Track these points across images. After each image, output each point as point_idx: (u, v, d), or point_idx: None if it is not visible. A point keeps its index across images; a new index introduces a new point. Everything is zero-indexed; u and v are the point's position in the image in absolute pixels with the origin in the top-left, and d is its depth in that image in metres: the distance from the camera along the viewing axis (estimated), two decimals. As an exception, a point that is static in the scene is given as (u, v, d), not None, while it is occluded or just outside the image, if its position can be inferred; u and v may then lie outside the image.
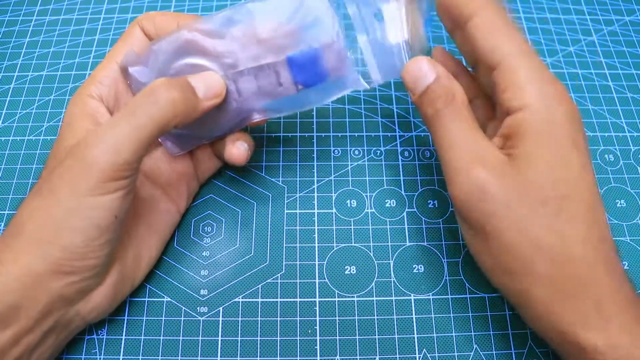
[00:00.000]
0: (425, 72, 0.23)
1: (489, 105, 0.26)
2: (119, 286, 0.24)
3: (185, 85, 0.23)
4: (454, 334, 0.27)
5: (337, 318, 0.27)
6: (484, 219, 0.20)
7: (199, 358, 0.26)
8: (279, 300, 0.28)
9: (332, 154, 0.32)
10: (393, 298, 0.28)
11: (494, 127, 0.24)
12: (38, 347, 0.22)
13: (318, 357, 0.26)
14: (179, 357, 0.26)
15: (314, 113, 0.34)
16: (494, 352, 0.26)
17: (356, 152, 0.32)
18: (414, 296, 0.28)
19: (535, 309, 0.20)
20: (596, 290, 0.19)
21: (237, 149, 0.26)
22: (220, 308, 0.27)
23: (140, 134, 0.21)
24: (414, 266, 0.29)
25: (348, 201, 0.31)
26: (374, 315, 0.27)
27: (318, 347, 0.26)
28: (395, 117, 0.34)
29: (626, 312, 0.19)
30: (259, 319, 0.27)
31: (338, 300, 0.28)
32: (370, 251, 0.29)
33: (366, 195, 0.31)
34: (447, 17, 0.24)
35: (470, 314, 0.27)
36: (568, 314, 0.19)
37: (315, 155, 0.32)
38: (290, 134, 0.33)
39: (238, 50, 0.23)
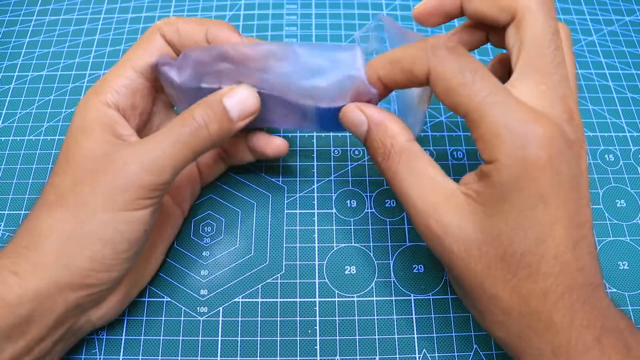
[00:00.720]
0: (357, 121, 0.23)
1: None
2: (129, 291, 0.25)
3: (220, 112, 0.23)
4: (453, 334, 0.27)
5: (337, 318, 0.27)
6: (447, 263, 0.21)
7: (199, 358, 0.26)
8: (278, 300, 0.28)
9: (332, 154, 0.32)
10: (393, 298, 0.28)
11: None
12: (48, 354, 0.22)
13: (318, 357, 0.26)
14: (179, 357, 0.26)
15: (314, 113, 0.34)
16: (494, 352, 0.26)
17: (356, 152, 0.32)
18: (414, 296, 0.28)
19: (499, 343, 0.21)
20: (554, 339, 0.19)
21: (280, 139, 0.27)
22: (220, 308, 0.27)
23: (179, 156, 0.22)
24: (414, 266, 0.29)
25: (348, 201, 0.31)
26: (374, 315, 0.27)
27: (318, 347, 0.26)
28: (395, 117, 0.34)
29: (587, 354, 0.19)
30: (259, 319, 0.27)
31: (338, 300, 0.28)
32: (370, 251, 0.29)
33: (366, 195, 0.31)
34: (404, 82, 0.22)
35: (470, 314, 0.27)
36: (526, 356, 0.20)
37: (315, 155, 0.32)
38: (290, 134, 0.33)
39: (274, 81, 0.24)
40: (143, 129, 0.26)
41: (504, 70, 0.25)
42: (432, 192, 0.21)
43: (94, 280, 0.21)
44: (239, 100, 0.23)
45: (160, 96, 0.27)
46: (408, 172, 0.21)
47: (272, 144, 0.27)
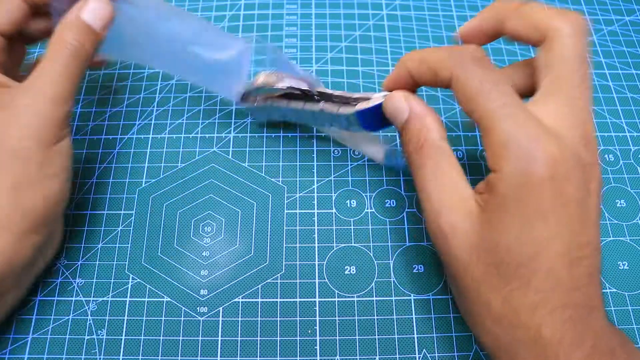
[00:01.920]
0: (399, 109, 0.24)
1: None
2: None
3: (84, 27, 0.25)
4: (454, 334, 0.27)
5: (337, 318, 0.27)
6: (448, 263, 0.22)
7: (199, 358, 0.26)
8: (278, 300, 0.28)
9: (332, 154, 0.32)
10: (393, 298, 0.28)
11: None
12: None
13: (318, 357, 0.26)
14: (179, 357, 0.26)
15: (314, 113, 0.34)
16: (494, 352, 0.26)
17: (356, 152, 0.32)
18: (414, 296, 0.28)
19: (485, 350, 0.21)
20: (539, 355, 0.19)
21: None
22: (220, 308, 0.27)
23: (73, 81, 0.25)
24: (414, 266, 0.29)
25: (348, 201, 0.31)
26: (374, 315, 0.27)
27: (318, 347, 0.26)
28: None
29: None
30: (259, 319, 0.27)
31: (338, 301, 0.28)
32: (370, 251, 0.29)
33: (366, 195, 0.31)
34: (430, 81, 0.24)
35: (470, 314, 0.27)
36: None
37: (315, 155, 0.32)
38: (290, 134, 0.33)
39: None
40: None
41: (526, 81, 0.25)
42: (450, 193, 0.22)
43: (50, 215, 0.24)
44: (93, 10, 0.25)
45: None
46: (434, 169, 0.22)
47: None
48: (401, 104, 0.24)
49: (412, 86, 0.24)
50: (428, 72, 0.23)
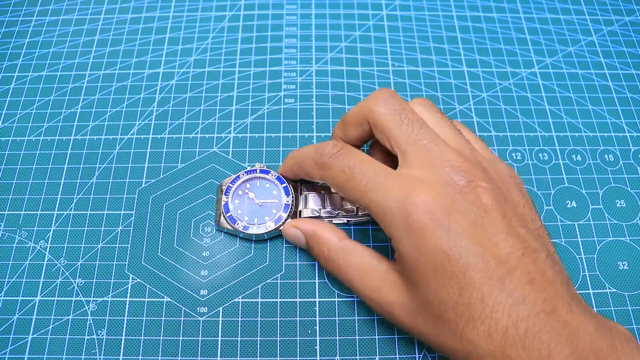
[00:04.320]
0: (295, 237, 0.27)
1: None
2: None
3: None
4: (454, 334, 0.27)
5: (337, 318, 0.27)
6: (409, 332, 0.23)
7: (198, 358, 0.26)
8: (278, 300, 0.28)
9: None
10: (393, 298, 0.28)
11: None
12: None
13: (318, 357, 0.26)
14: (179, 357, 0.26)
15: (314, 113, 0.34)
16: (494, 352, 0.26)
17: (356, 152, 0.32)
18: (414, 296, 0.28)
19: None
20: None
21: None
22: (220, 308, 0.27)
23: None
24: (414, 266, 0.29)
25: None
26: (374, 315, 0.27)
27: (318, 347, 0.26)
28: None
29: None
30: (259, 319, 0.27)
31: (338, 300, 0.28)
32: (370, 251, 0.29)
33: (366, 195, 0.31)
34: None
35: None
36: None
37: (315, 156, 0.32)
38: (290, 134, 0.33)
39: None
40: None
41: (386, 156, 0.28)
42: (371, 277, 0.24)
43: None
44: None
45: None
46: (347, 267, 0.24)
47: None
48: (294, 232, 0.27)
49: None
50: (299, 171, 0.27)
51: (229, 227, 0.28)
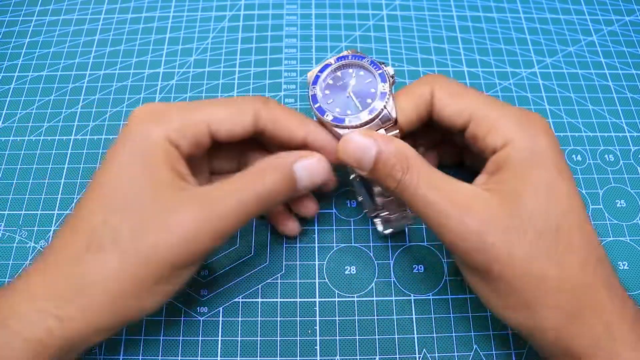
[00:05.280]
0: (363, 146, 0.22)
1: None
2: None
3: (289, 178, 0.23)
4: (453, 334, 0.27)
5: (337, 318, 0.27)
6: (486, 264, 0.20)
7: (199, 358, 0.26)
8: (278, 300, 0.28)
9: (332, 154, 0.32)
10: (393, 298, 0.28)
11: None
12: None
13: (318, 357, 0.26)
14: (179, 357, 0.26)
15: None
16: (494, 352, 0.26)
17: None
18: (414, 296, 0.28)
19: (547, 339, 0.20)
20: (603, 314, 0.19)
21: (296, 224, 0.28)
22: (220, 308, 0.27)
23: (239, 220, 0.21)
24: (414, 266, 0.29)
25: (348, 201, 0.31)
26: (374, 315, 0.27)
27: (318, 347, 0.26)
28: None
29: (633, 332, 0.19)
30: (259, 319, 0.27)
31: (338, 300, 0.28)
32: (370, 251, 0.29)
33: (366, 195, 0.31)
34: (420, 115, 0.24)
35: (470, 314, 0.27)
36: (580, 340, 0.19)
37: (315, 155, 0.32)
38: (290, 134, 0.33)
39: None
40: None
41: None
42: (459, 195, 0.21)
43: (136, 320, 0.21)
44: (310, 168, 0.23)
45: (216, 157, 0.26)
46: (430, 181, 0.21)
47: (287, 226, 0.28)
48: (364, 140, 0.22)
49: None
50: (412, 101, 0.24)
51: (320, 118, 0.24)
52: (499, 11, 0.40)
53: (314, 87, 0.25)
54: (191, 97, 0.35)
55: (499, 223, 0.20)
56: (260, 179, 0.22)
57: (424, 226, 0.30)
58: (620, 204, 0.31)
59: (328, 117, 0.24)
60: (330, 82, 0.25)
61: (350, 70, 0.25)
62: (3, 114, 0.34)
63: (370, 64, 0.25)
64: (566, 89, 0.35)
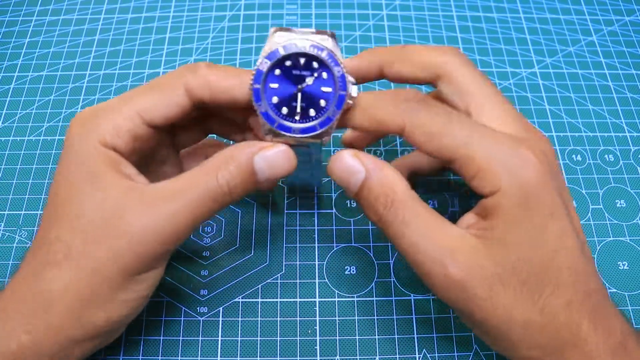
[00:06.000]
0: (351, 168, 0.21)
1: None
2: None
3: (247, 171, 0.21)
4: (454, 334, 0.27)
5: (337, 318, 0.27)
6: (468, 312, 0.20)
7: (198, 358, 0.26)
8: (278, 300, 0.28)
9: (332, 154, 0.32)
10: (393, 298, 0.28)
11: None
12: None
13: (318, 357, 0.26)
14: (179, 357, 0.26)
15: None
16: (494, 352, 0.26)
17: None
18: (413, 296, 0.28)
19: None
20: (585, 346, 0.19)
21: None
22: (220, 308, 0.27)
23: (194, 219, 0.20)
24: (414, 266, 0.29)
25: (348, 201, 0.31)
26: (374, 315, 0.27)
27: (318, 347, 0.26)
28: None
29: (617, 356, 0.19)
30: (259, 319, 0.27)
31: (338, 300, 0.28)
32: (370, 251, 0.29)
33: (366, 195, 0.31)
34: (376, 134, 0.24)
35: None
36: None
37: (315, 155, 0.32)
38: (290, 134, 0.33)
39: None
40: (144, 167, 0.23)
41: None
42: (444, 238, 0.20)
43: (110, 330, 0.21)
44: (272, 161, 0.21)
45: (166, 140, 0.25)
46: (415, 220, 0.20)
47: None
48: (353, 162, 0.21)
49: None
50: (377, 125, 0.21)
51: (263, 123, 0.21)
52: (499, 11, 0.40)
53: (257, 84, 0.21)
54: (191, 97, 0.35)
55: (483, 271, 0.19)
56: (213, 174, 0.20)
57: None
58: (620, 204, 0.31)
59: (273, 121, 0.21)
60: (278, 73, 0.21)
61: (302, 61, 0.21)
62: (3, 114, 0.34)
63: (328, 56, 0.21)
64: (566, 89, 0.35)
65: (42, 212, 0.30)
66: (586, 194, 0.31)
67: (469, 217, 0.21)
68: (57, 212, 0.21)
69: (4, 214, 0.30)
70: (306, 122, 0.21)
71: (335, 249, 0.29)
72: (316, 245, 0.29)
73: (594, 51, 0.37)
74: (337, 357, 0.26)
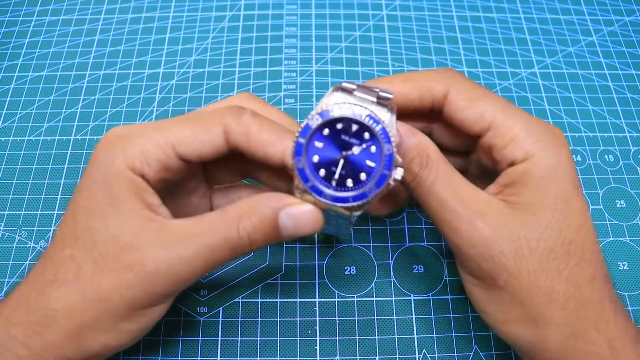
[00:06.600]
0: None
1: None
2: None
3: (271, 226, 0.20)
4: (453, 334, 0.27)
5: (337, 318, 0.27)
6: (493, 273, 0.20)
7: (198, 358, 0.26)
8: (278, 300, 0.28)
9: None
10: (393, 298, 0.28)
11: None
12: None
13: (318, 357, 0.26)
14: (179, 357, 0.26)
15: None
16: (494, 352, 0.26)
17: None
18: (413, 296, 0.28)
19: (549, 355, 0.20)
20: (607, 330, 0.19)
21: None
22: (220, 308, 0.27)
23: (207, 265, 0.20)
24: (413, 266, 0.29)
25: (348, 201, 0.31)
26: (374, 316, 0.27)
27: (318, 347, 0.26)
28: (395, 117, 0.34)
29: (634, 352, 0.19)
30: (259, 319, 0.27)
31: (338, 301, 0.28)
32: (370, 251, 0.29)
33: (366, 196, 0.31)
34: (421, 105, 0.23)
35: (470, 314, 0.27)
36: (583, 356, 0.19)
37: (315, 156, 0.32)
38: (290, 134, 0.33)
39: None
40: (169, 194, 0.23)
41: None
42: (473, 199, 0.21)
43: (107, 355, 0.21)
44: (298, 220, 0.20)
45: (197, 173, 0.24)
46: (449, 178, 0.21)
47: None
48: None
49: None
50: (417, 90, 0.22)
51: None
52: (499, 11, 0.40)
53: (299, 158, 0.20)
54: (191, 97, 0.35)
55: (511, 233, 0.20)
56: (234, 223, 0.20)
57: (423, 226, 0.30)
58: (620, 204, 0.31)
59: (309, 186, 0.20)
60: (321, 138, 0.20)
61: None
62: (3, 114, 0.34)
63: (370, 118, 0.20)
64: (566, 89, 0.35)
65: (41, 212, 0.30)
66: (586, 194, 0.31)
67: (492, 188, 0.22)
68: (75, 231, 0.20)
69: (4, 214, 0.30)
70: (341, 191, 0.20)
71: (335, 249, 0.29)
72: (316, 245, 0.29)
73: (594, 51, 0.37)
74: (337, 357, 0.26)
